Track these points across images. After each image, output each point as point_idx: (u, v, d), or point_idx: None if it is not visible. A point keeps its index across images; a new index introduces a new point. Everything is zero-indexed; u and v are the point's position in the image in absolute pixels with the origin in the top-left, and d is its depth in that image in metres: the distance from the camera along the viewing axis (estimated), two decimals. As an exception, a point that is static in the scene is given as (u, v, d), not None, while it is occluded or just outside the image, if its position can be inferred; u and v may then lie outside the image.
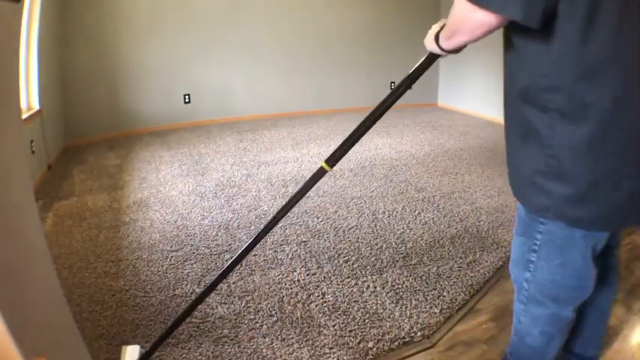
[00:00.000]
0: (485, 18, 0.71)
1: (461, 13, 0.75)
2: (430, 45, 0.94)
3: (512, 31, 0.80)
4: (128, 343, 1.51)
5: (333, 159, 1.13)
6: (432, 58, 0.97)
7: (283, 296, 1.78)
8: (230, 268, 1.29)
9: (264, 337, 1.54)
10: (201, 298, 1.33)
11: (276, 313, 1.67)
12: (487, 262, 2.02)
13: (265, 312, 1.68)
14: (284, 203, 1.22)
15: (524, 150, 0.87)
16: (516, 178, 0.94)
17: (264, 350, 1.48)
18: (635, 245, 2.11)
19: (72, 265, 2.02)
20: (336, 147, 1.13)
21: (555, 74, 0.75)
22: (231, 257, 2.05)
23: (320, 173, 1.16)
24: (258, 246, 2.15)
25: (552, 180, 0.82)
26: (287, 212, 1.23)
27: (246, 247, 1.26)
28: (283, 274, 1.93)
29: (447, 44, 0.88)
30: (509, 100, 0.89)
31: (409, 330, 1.57)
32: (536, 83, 0.79)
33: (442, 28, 0.90)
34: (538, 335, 1.06)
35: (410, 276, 1.91)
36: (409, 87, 1.03)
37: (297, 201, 1.20)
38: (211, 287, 1.31)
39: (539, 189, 0.86)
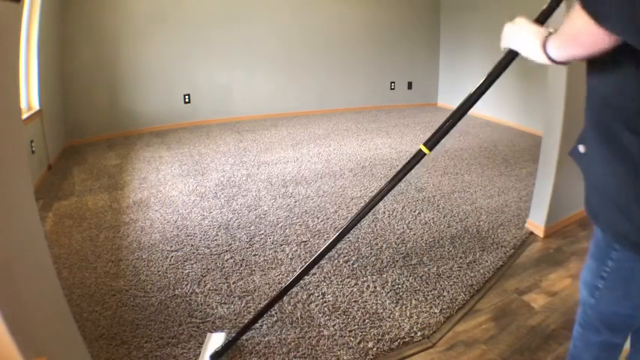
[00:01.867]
0: (604, 36, 0.68)
1: (581, 24, 0.71)
2: (533, 50, 0.85)
3: (616, 53, 0.73)
4: (128, 343, 1.51)
5: (431, 142, 1.10)
6: (512, 57, 0.94)
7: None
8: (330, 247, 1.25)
9: (264, 337, 1.54)
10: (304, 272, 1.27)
11: (276, 313, 1.67)
12: (487, 262, 2.03)
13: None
14: (382, 185, 1.19)
15: (614, 173, 0.81)
16: (602, 202, 0.88)
17: (264, 350, 1.48)
18: None
19: (72, 265, 2.02)
20: (435, 130, 1.09)
21: None
22: (232, 257, 2.07)
23: (418, 156, 1.13)
24: (258, 246, 2.18)
25: None
26: (384, 196, 1.20)
27: (344, 229, 1.22)
28: (283, 274, 1.93)
29: (558, 54, 0.81)
30: (599, 119, 0.82)
31: (409, 330, 1.58)
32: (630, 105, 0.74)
33: (550, 33, 0.83)
34: None
35: (410, 276, 1.91)
36: (489, 87, 1.02)
37: (395, 185, 1.18)
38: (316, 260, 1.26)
39: (624, 213, 0.81)
